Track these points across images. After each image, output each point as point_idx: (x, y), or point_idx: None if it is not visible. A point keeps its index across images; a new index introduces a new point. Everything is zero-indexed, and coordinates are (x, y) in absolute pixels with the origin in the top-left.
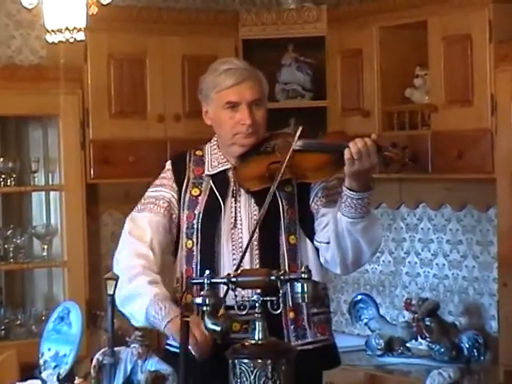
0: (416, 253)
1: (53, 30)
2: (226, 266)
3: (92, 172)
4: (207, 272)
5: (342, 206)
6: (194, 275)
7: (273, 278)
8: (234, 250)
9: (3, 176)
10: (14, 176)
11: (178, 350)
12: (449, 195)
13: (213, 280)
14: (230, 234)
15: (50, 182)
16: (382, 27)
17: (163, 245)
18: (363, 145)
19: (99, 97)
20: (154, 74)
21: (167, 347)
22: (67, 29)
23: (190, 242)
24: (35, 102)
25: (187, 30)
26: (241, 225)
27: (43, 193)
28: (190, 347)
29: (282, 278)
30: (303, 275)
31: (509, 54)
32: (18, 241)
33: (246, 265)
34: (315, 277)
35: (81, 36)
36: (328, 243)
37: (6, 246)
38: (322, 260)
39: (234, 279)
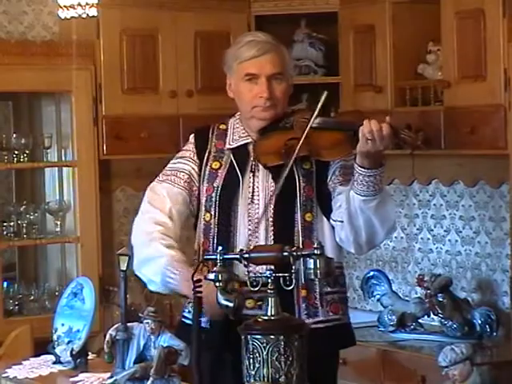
0: (428, 229)
1: (65, 6)
2: (242, 240)
3: (104, 148)
4: (220, 248)
5: (354, 184)
6: (211, 248)
7: (285, 253)
8: (250, 225)
9: (16, 152)
10: (27, 152)
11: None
12: (461, 171)
13: (226, 256)
14: (246, 208)
15: (63, 158)
16: (394, 2)
17: (182, 216)
18: (377, 127)
19: (112, 73)
20: (166, 49)
21: (182, 319)
22: (79, 4)
23: (208, 214)
24: (48, 77)
25: (200, 5)
26: (258, 200)
27: (56, 169)
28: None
29: (294, 253)
30: (316, 251)
31: None
32: (31, 217)
33: (260, 241)
34: (331, 255)
35: (93, 12)
36: (342, 222)
37: (19, 222)
38: (337, 239)
39: (246, 255)
